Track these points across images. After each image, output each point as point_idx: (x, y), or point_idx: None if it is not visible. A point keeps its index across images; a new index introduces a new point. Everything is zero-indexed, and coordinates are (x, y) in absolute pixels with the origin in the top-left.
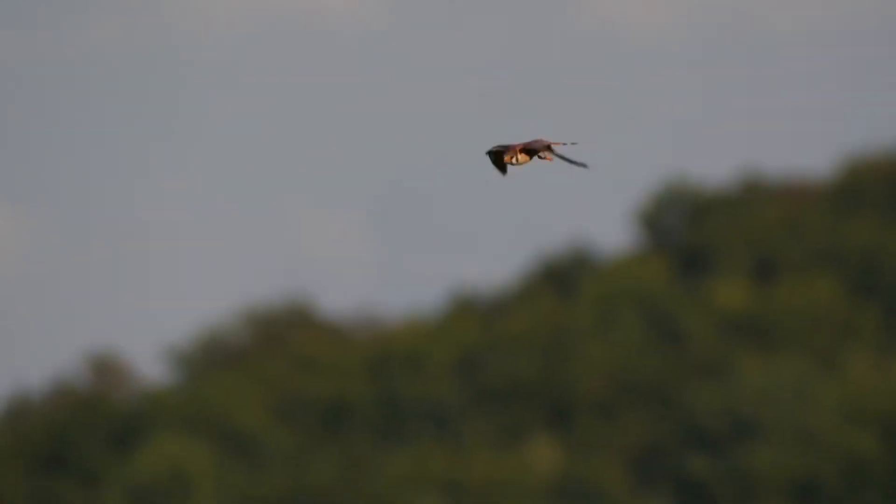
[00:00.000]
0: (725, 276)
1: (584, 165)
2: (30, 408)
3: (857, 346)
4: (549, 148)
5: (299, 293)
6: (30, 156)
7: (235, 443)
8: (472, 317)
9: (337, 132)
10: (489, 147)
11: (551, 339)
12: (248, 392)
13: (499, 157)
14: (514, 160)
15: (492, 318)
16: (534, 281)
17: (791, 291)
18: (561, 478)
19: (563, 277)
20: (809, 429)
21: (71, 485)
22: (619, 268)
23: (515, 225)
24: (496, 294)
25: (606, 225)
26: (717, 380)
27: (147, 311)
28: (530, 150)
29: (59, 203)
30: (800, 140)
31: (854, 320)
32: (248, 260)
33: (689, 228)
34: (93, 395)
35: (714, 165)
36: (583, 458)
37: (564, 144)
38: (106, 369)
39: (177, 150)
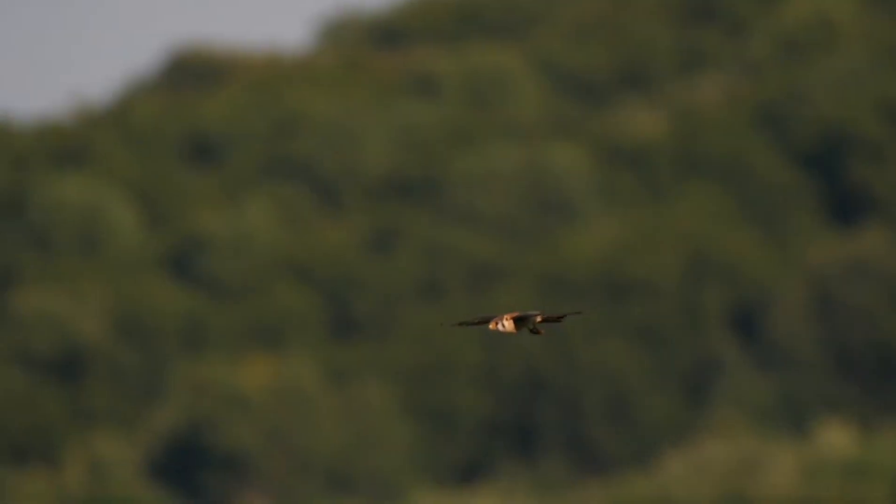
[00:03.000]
0: None
1: (577, 313)
2: None
3: None
4: (542, 320)
5: None
6: None
7: None
8: None
9: None
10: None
11: None
12: None
13: (482, 324)
14: (500, 326)
15: None
16: None
17: None
18: None
19: None
20: None
21: (716, 34)
22: None
23: None
24: None
25: None
26: None
27: None
28: (520, 320)
29: None
30: None
31: None
32: None
33: None
34: None
35: None
36: None
37: (562, 317)
38: None
39: None
